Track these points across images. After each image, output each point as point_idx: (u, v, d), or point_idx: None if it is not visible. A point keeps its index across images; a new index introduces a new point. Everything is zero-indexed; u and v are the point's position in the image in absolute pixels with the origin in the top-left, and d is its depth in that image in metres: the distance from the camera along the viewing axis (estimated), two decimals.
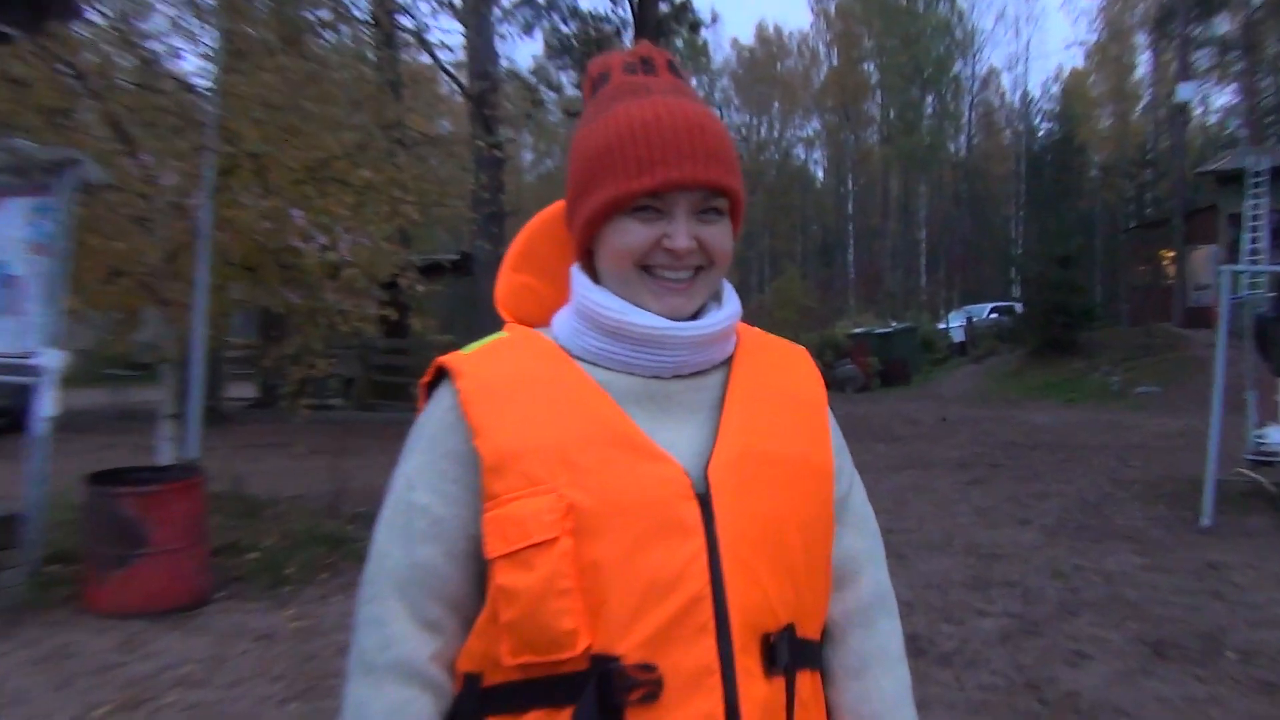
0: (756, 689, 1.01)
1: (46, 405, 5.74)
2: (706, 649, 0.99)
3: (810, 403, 1.19)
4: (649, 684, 0.98)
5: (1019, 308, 26.08)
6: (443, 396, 1.12)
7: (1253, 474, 8.13)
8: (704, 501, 1.03)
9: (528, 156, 53.17)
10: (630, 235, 1.09)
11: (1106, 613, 5.38)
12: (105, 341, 10.23)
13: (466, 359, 1.13)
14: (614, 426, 1.05)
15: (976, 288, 46.35)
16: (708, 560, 1.01)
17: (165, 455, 7.24)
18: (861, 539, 1.23)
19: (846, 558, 1.20)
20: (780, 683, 1.05)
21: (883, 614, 1.22)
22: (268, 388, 17.28)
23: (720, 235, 1.12)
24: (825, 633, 1.18)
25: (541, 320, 1.21)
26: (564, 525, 0.99)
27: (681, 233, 1.08)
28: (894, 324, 28.59)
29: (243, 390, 18.15)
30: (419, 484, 1.11)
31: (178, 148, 7.08)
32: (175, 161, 7.28)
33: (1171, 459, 10.70)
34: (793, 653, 1.06)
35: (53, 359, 5.76)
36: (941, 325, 31.84)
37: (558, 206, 1.24)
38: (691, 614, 0.99)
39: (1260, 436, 8.01)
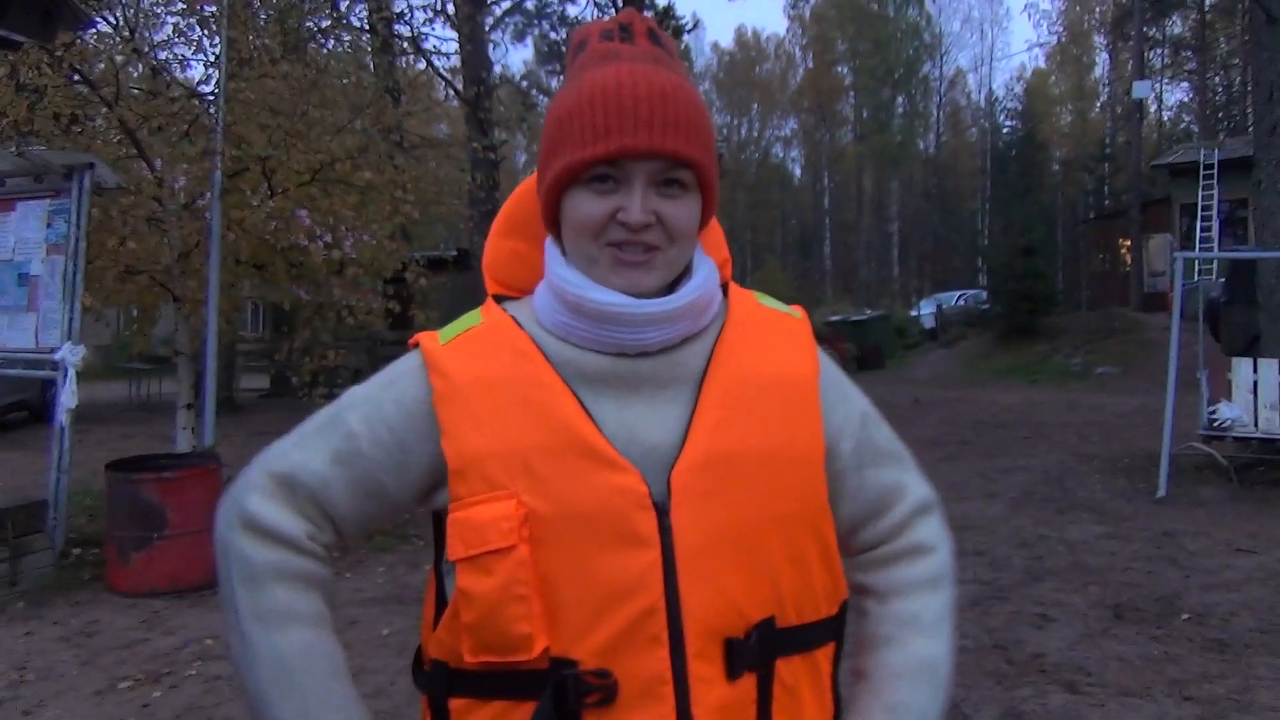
0: (713, 694, 0.97)
1: (67, 397, 5.72)
2: (659, 659, 0.95)
3: (797, 383, 1.07)
4: (604, 689, 0.95)
5: (985, 295, 26.12)
6: (413, 359, 1.08)
7: (1205, 448, 8.18)
8: (663, 511, 0.97)
9: (521, 158, 52.95)
10: (585, 208, 1.01)
11: (1069, 579, 5.41)
12: (124, 337, 10.19)
13: (443, 353, 1.06)
14: (576, 433, 0.98)
15: (945, 277, 46.40)
16: (663, 572, 0.96)
17: (182, 443, 7.23)
18: (887, 469, 1.15)
19: (879, 493, 1.15)
20: (749, 680, 1.00)
21: (922, 517, 1.17)
22: (278, 379, 17.25)
23: (682, 211, 1.02)
24: (871, 549, 1.16)
25: (531, 285, 1.13)
26: (521, 533, 0.95)
27: (636, 205, 0.99)
28: (869, 312, 28.62)
29: (255, 382, 18.10)
30: (360, 409, 1.07)
31: (187, 152, 7.04)
32: (185, 165, 7.25)
33: (1129, 435, 10.75)
34: (771, 645, 1.01)
35: (72, 353, 5.74)
36: (913, 312, 31.91)
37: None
38: (644, 625, 0.95)
39: (1212, 413, 8.06)
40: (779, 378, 1.06)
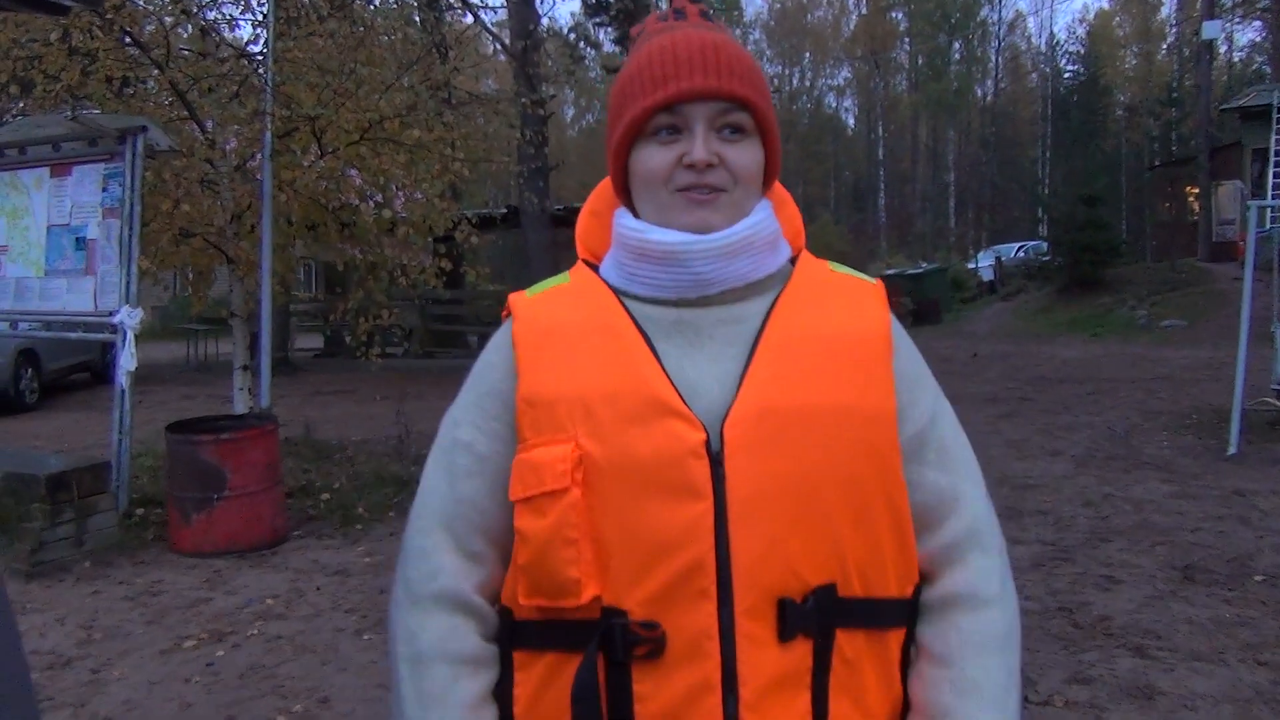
0: (763, 655, 0.95)
1: (126, 360, 5.82)
2: (706, 614, 0.94)
3: (865, 341, 1.05)
4: (652, 642, 0.95)
5: (1046, 246, 25.58)
6: (501, 335, 1.11)
7: (1278, 403, 7.95)
8: (717, 461, 0.96)
9: (569, 112, 52.80)
10: (652, 158, 1.05)
11: (1136, 539, 5.30)
12: (181, 297, 10.37)
13: (528, 302, 1.11)
14: (642, 380, 1.00)
15: (1004, 228, 45.51)
16: (714, 523, 0.95)
17: (239, 404, 7.33)
18: (946, 474, 1.09)
19: (932, 497, 1.07)
20: (804, 647, 0.97)
21: (976, 550, 1.08)
22: (333, 338, 17.47)
23: (744, 154, 1.05)
24: (922, 579, 1.08)
25: None
26: (575, 476, 0.96)
27: (699, 144, 1.02)
28: (924, 265, 28.22)
29: (310, 342, 18.35)
30: (464, 421, 1.10)
31: (238, 113, 7.06)
32: (236, 126, 7.28)
33: (1198, 390, 10.49)
34: (830, 613, 0.98)
35: (130, 317, 5.82)
36: (971, 265, 31.32)
37: None
38: (692, 577, 0.95)
39: None
40: (844, 334, 1.05)
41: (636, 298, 1.07)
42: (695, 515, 0.95)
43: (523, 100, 11.43)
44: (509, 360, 1.07)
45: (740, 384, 1.00)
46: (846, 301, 1.09)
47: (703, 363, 1.02)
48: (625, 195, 1.11)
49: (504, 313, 1.13)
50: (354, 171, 8.07)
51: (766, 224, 1.08)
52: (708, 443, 0.96)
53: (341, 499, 6.38)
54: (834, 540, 0.98)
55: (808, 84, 58.88)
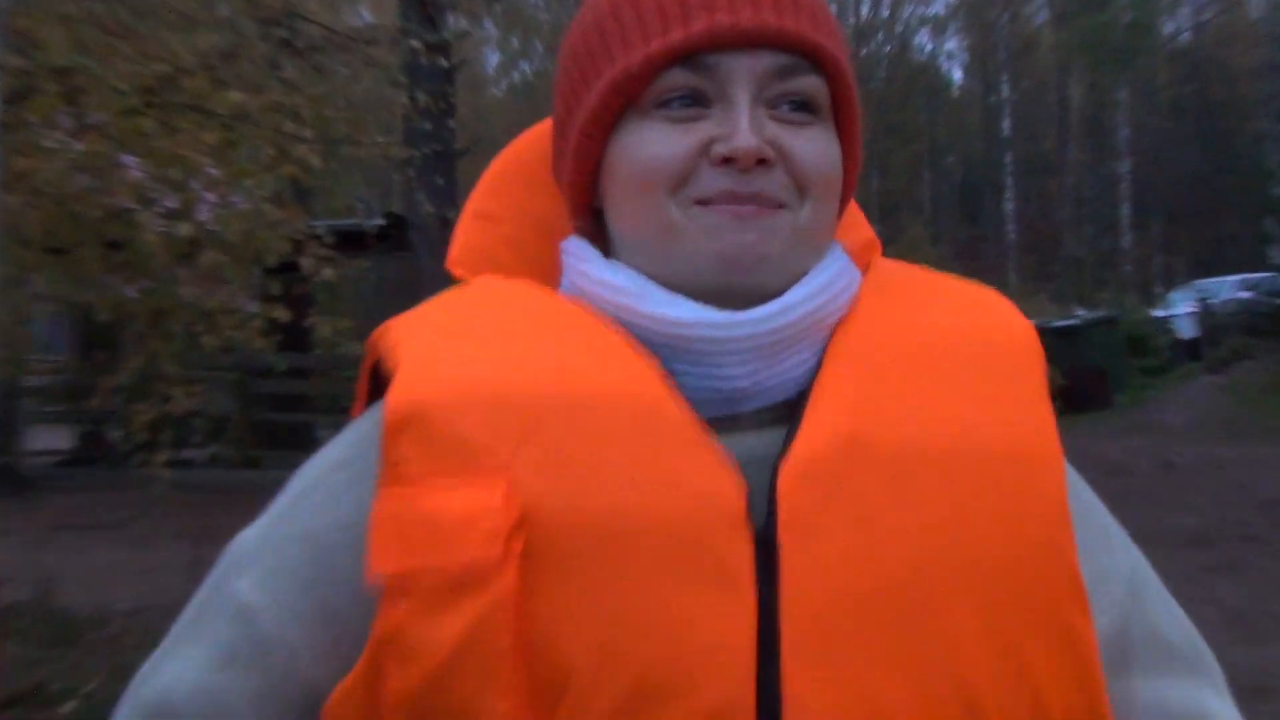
0: None
1: None
2: None
3: (1005, 349, 1.06)
4: None
5: None
6: (352, 431, 1.09)
7: None
8: (764, 535, 0.92)
9: (493, 59, 53.25)
10: (655, 144, 1.01)
11: None
12: None
13: (410, 314, 1.08)
14: (629, 375, 0.96)
15: (1213, 251, 46.01)
16: (755, 640, 0.89)
17: None
18: (1173, 681, 1.12)
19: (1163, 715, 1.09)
20: None
21: None
22: (91, 435, 17.34)
23: (815, 146, 1.02)
24: None
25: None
26: (510, 545, 0.87)
27: (743, 123, 0.97)
28: (1082, 312, 28.39)
29: (52, 439, 18.22)
30: (254, 568, 1.05)
31: None
32: None
33: None
34: None
35: None
36: (1159, 313, 31.59)
37: (546, 125, 1.19)
38: None
39: None
40: (967, 340, 1.05)
41: None
42: (726, 626, 0.89)
43: (413, 43, 11.57)
44: (352, 483, 1.02)
45: (800, 419, 0.97)
46: (960, 295, 1.12)
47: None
48: (588, 212, 1.10)
49: (361, 376, 1.09)
50: (131, 159, 8.13)
51: (842, 283, 1.07)
52: (749, 504, 0.92)
53: (97, 709, 6.30)
54: (961, 684, 0.93)
55: (886, 14, 59.80)
